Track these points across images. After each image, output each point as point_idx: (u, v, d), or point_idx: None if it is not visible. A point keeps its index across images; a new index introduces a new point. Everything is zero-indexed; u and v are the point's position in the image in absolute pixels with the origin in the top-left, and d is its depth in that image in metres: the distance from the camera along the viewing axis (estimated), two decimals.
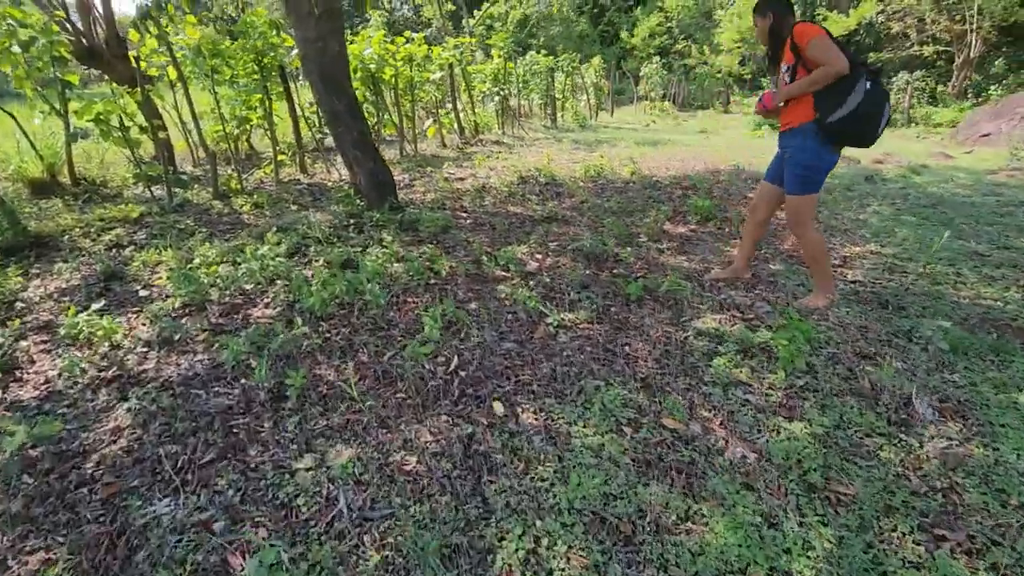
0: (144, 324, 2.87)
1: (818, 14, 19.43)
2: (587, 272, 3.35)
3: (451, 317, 2.76)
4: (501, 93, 10.52)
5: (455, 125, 9.71)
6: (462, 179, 6.26)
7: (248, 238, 4.15)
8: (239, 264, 3.46)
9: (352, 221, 4.46)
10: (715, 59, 21.56)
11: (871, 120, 2.35)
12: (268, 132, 6.43)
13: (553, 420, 2.00)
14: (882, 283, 3.10)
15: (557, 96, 13.02)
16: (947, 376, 2.15)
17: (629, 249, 3.55)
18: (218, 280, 3.32)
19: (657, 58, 20.73)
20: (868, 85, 2.32)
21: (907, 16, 17.41)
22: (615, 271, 3.37)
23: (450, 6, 16.61)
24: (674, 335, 2.57)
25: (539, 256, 3.70)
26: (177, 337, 2.67)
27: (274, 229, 4.29)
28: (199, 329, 2.78)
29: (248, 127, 6.86)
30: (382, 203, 4.65)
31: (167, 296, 3.19)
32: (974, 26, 15.46)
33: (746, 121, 13.88)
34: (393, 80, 7.83)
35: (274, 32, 5.65)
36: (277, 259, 3.57)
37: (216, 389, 2.28)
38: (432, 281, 3.30)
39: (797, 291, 3.02)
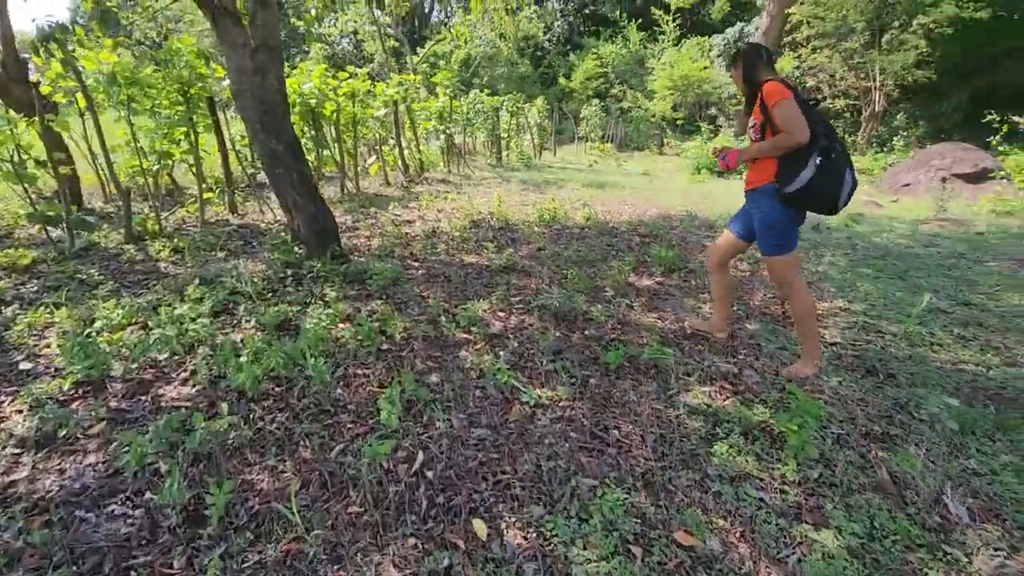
0: (19, 413, 2.29)
1: None
2: (557, 334, 3.06)
3: (411, 395, 2.37)
4: (447, 131, 10.32)
5: (399, 163, 9.38)
6: (410, 222, 5.90)
7: (165, 292, 3.59)
8: (151, 328, 2.93)
9: (289, 272, 3.99)
10: (649, 104, 22.56)
11: (825, 193, 2.30)
12: (193, 167, 5.84)
13: (546, 540, 1.65)
14: (861, 345, 3.01)
15: (502, 135, 13.01)
16: (964, 462, 2.00)
17: (599, 307, 3.31)
18: (123, 349, 2.77)
19: (596, 100, 21.44)
20: (818, 161, 2.27)
21: (820, 72, 18.95)
22: (587, 332, 3.10)
23: (393, 42, 16.47)
24: (665, 414, 2.31)
25: (502, 314, 3.38)
26: (63, 433, 2.13)
27: (196, 281, 3.75)
28: (94, 419, 2.24)
29: (170, 162, 6.22)
30: (323, 251, 4.21)
31: (56, 372, 2.61)
32: (877, 84, 16.99)
33: (683, 164, 14.41)
34: (334, 116, 7.44)
35: (203, 62, 5.15)
36: (199, 321, 3.06)
37: (111, 509, 1.78)
38: (385, 347, 2.90)
39: (781, 356, 2.86)
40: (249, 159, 7.97)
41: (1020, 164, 8.41)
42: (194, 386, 2.48)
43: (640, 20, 25.98)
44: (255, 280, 3.78)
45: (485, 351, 2.88)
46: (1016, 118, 16.07)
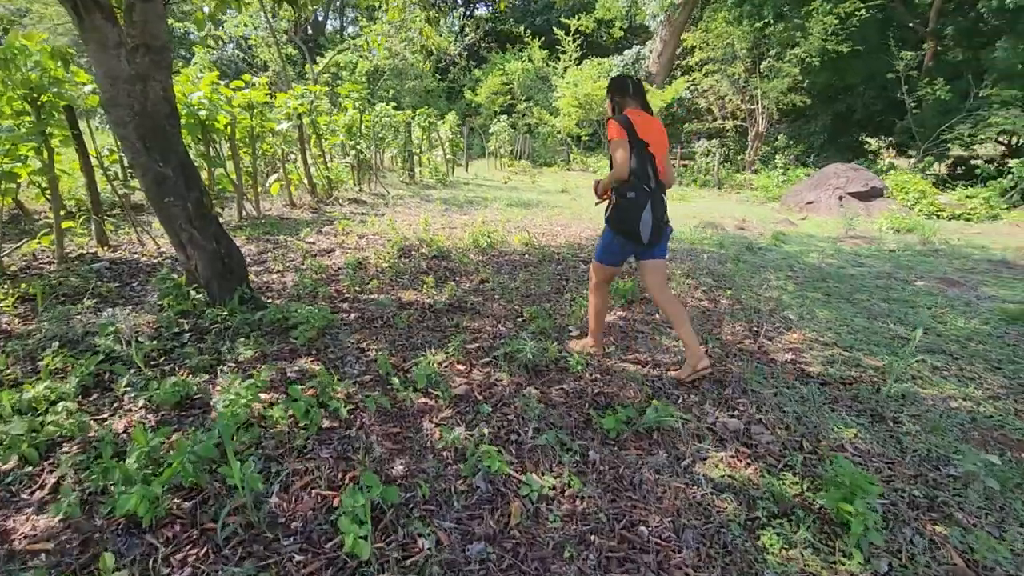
0: None
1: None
2: (534, 391, 2.64)
3: (376, 499, 1.83)
4: (357, 146, 9.58)
5: (305, 181, 8.51)
6: (328, 251, 5.20)
7: (7, 363, 2.71)
8: None
9: (187, 325, 3.22)
10: (554, 120, 22.98)
11: (626, 222, 2.68)
12: (47, 189, 4.74)
13: None
14: (851, 383, 2.88)
15: (415, 151, 12.42)
16: (1021, 530, 1.84)
17: (576, 356, 2.92)
18: None
19: (504, 116, 21.44)
20: (627, 195, 2.65)
21: (711, 94, 20.36)
22: (565, 386, 2.71)
23: (291, 50, 15.23)
24: (689, 494, 1.96)
25: (462, 367, 2.90)
26: None
27: (55, 344, 2.89)
28: None
29: (15, 184, 5.01)
30: (230, 295, 3.48)
31: None
32: (760, 107, 18.52)
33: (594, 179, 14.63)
34: (228, 129, 6.52)
35: (58, 64, 4.17)
36: (61, 406, 2.28)
37: None
38: (327, 425, 2.31)
39: (782, 404, 2.64)
40: (120, 176, 6.81)
41: (900, 184, 9.37)
42: (55, 517, 1.75)
43: (543, 39, 26.52)
44: (140, 339, 2.98)
45: (455, 421, 2.38)
46: (869, 139, 18.24)
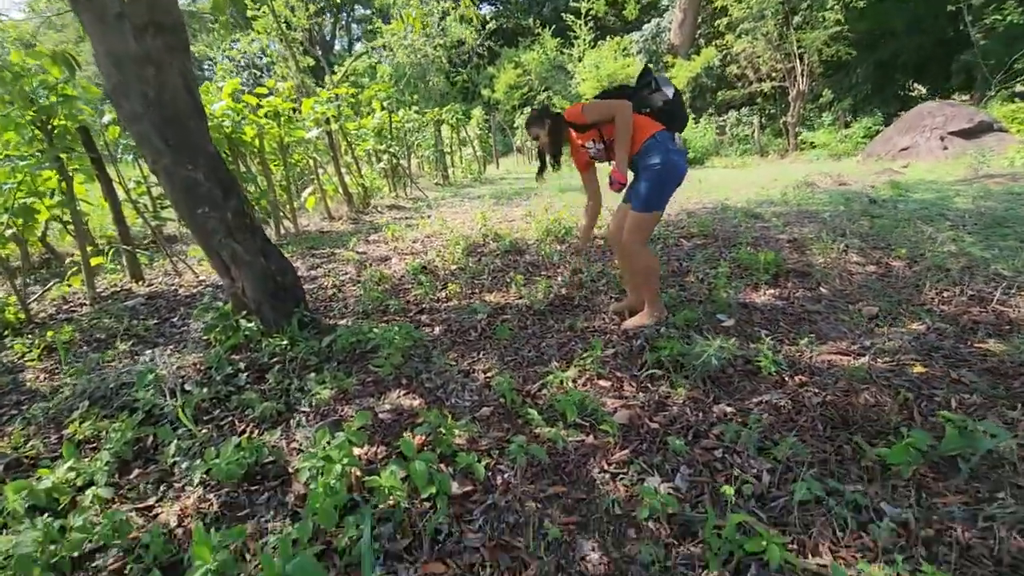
0: None
1: (664, 61, 20.78)
2: (724, 406, 1.88)
3: None
4: (389, 149, 8.96)
5: (340, 192, 7.93)
6: (384, 259, 4.53)
7: (27, 432, 2.08)
8: None
9: (242, 363, 2.56)
10: None
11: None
12: (70, 224, 4.21)
13: None
14: None
15: (446, 151, 11.76)
16: None
17: (768, 357, 2.12)
18: None
19: (526, 109, 20.68)
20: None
21: (743, 58, 19.14)
22: (770, 399, 1.93)
23: (309, 60, 14.80)
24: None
25: (606, 383, 2.15)
26: None
27: (85, 404, 2.26)
28: None
29: (35, 221, 4.50)
30: (286, 319, 2.82)
31: None
32: (800, 63, 17.25)
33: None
34: (257, 142, 5.94)
35: (63, 72, 3.60)
36: (92, 494, 1.62)
37: None
38: (461, 492, 1.59)
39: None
40: (151, 208, 6.30)
41: (1010, 113, 8.20)
42: None
43: (553, 27, 25.64)
44: (187, 387, 2.33)
45: (639, 467, 1.63)
46: (917, 85, 16.77)
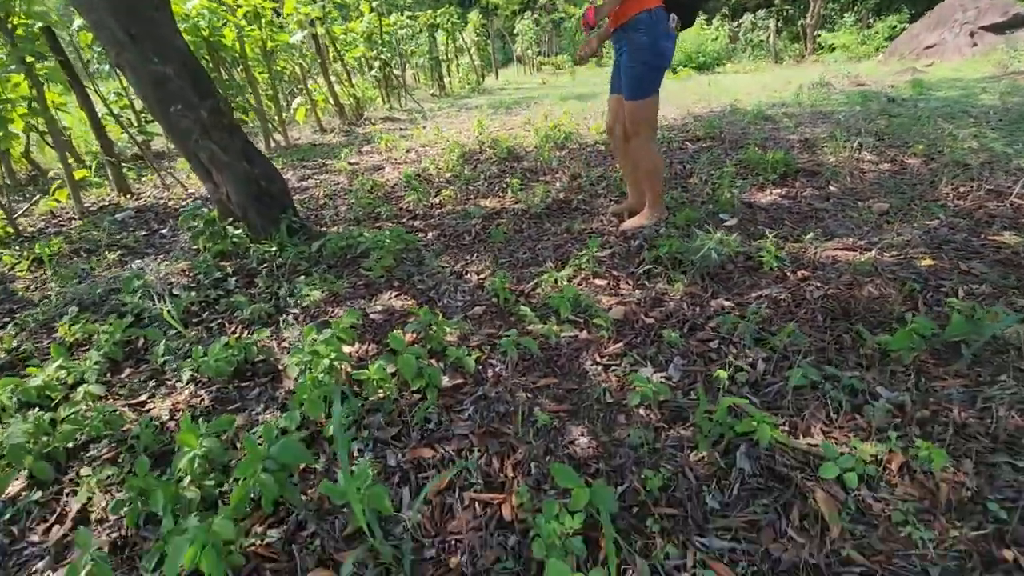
0: None
1: None
2: (722, 300, 1.83)
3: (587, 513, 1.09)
4: (381, 58, 8.45)
5: (331, 103, 7.57)
6: (377, 168, 4.37)
7: (16, 337, 2.07)
8: None
9: (230, 268, 2.51)
10: (579, 11, 20.66)
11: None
12: (46, 134, 4.03)
13: None
14: None
15: (442, 59, 11.11)
16: None
17: (770, 251, 2.03)
18: None
19: (528, 14, 19.33)
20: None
21: None
22: (770, 293, 1.87)
23: None
24: None
25: (602, 282, 2.09)
26: None
27: (74, 309, 2.24)
28: None
29: (15, 136, 4.29)
30: (274, 225, 2.73)
31: None
32: None
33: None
34: (237, 46, 5.57)
35: None
36: (82, 390, 1.62)
37: None
38: (452, 385, 1.57)
39: None
40: (135, 123, 6.04)
41: None
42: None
43: None
44: (175, 291, 2.29)
45: (632, 359, 1.60)
46: None
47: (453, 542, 1.10)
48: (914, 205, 2.48)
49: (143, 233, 3.37)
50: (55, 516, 1.29)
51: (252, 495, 1.22)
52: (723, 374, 1.40)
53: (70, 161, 4.33)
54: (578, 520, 1.00)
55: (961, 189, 2.59)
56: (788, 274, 1.98)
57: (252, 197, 2.70)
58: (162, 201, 4.10)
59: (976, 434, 1.20)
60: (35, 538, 1.24)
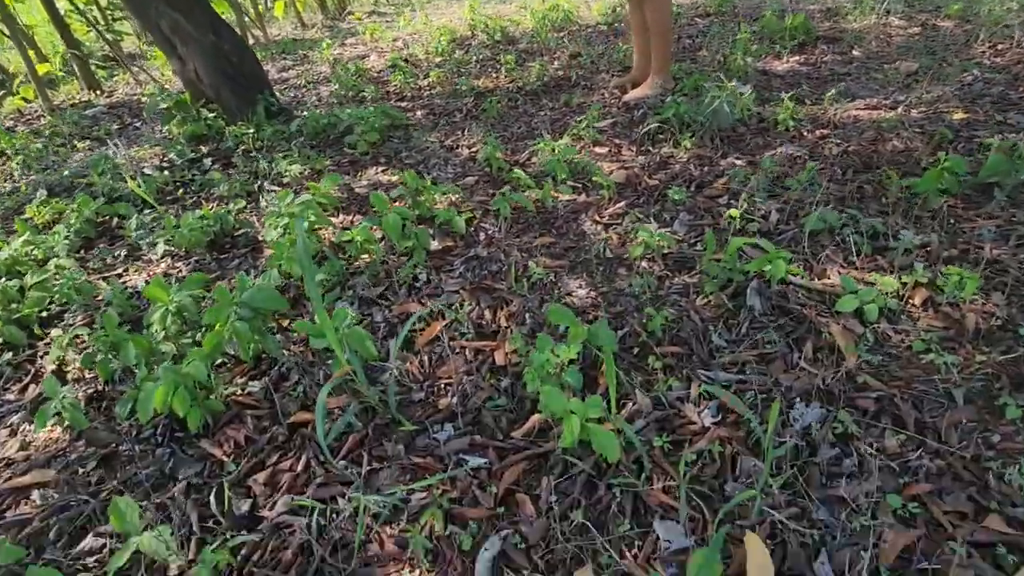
0: None
1: None
2: (734, 159, 1.69)
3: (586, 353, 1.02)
4: None
5: None
6: (362, 57, 4.05)
7: None
8: None
9: (205, 151, 2.35)
10: None
11: None
12: (4, 32, 3.70)
13: None
14: None
15: None
16: None
17: (785, 111, 1.85)
18: None
19: None
20: None
21: None
22: (789, 151, 1.72)
23: None
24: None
25: (603, 149, 1.93)
26: None
27: (43, 193, 2.11)
28: None
29: None
30: (251, 106, 2.52)
31: None
32: None
33: None
34: None
35: None
36: (52, 263, 1.53)
37: None
38: (442, 247, 1.47)
39: None
40: (103, 22, 5.59)
41: None
42: (45, 426, 1.05)
43: None
44: (147, 172, 2.14)
45: (635, 217, 1.49)
46: None
47: (443, 385, 1.04)
48: (946, 64, 2.26)
49: (116, 127, 3.17)
50: (30, 376, 1.24)
51: (231, 350, 1.16)
52: (735, 213, 1.29)
53: (31, 57, 4.02)
54: (574, 350, 0.93)
55: (999, 47, 2.35)
56: (805, 133, 1.82)
57: (223, 75, 2.48)
58: (135, 97, 3.84)
59: (1008, 267, 1.10)
60: (11, 397, 1.19)
